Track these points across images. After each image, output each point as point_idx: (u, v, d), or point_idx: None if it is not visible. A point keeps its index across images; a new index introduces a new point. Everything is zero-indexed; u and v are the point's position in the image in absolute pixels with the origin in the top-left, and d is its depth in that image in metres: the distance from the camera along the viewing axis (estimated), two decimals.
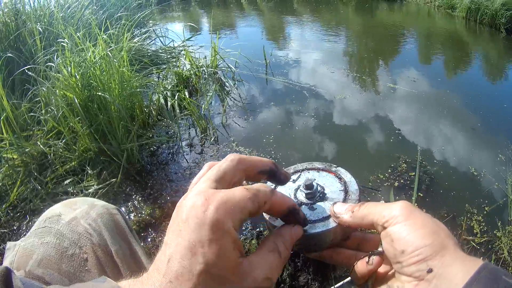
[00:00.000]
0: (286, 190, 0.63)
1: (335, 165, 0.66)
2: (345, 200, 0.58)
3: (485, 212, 2.32)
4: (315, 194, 0.59)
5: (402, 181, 2.57)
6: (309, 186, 0.59)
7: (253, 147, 2.98)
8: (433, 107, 3.71)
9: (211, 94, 3.88)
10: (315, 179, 0.61)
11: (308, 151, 3.01)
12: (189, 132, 3.28)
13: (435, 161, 2.82)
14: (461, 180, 2.65)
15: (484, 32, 6.74)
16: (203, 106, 3.62)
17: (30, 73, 2.92)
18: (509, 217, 2.28)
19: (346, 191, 0.60)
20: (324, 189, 0.61)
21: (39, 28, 3.65)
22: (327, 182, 0.63)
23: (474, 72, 4.99)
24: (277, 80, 4.42)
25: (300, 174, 0.66)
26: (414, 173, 2.62)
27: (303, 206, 0.59)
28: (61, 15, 4.21)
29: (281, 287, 1.72)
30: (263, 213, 0.55)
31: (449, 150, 2.98)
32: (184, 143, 3.09)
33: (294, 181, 0.64)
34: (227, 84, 4.21)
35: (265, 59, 4.93)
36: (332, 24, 7.75)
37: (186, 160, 2.89)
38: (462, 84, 4.48)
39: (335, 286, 1.70)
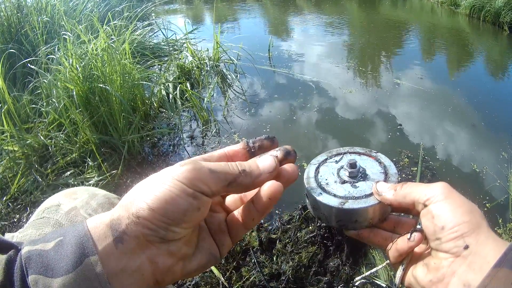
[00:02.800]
0: (329, 169, 0.67)
1: (375, 151, 0.71)
2: (385, 181, 0.62)
3: (486, 209, 2.32)
4: (357, 173, 0.64)
5: (404, 175, 2.56)
6: (353, 165, 0.64)
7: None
8: (436, 103, 3.70)
9: (212, 86, 3.88)
10: (356, 161, 0.65)
11: (310, 144, 3.01)
12: (191, 124, 3.27)
13: (437, 156, 2.81)
14: (462, 176, 2.65)
15: (487, 30, 6.71)
16: (205, 98, 3.61)
17: (32, 66, 2.91)
18: (510, 214, 2.27)
19: (386, 173, 0.64)
20: (365, 170, 0.65)
21: (41, 21, 3.64)
22: (368, 164, 0.67)
23: (478, 69, 4.97)
24: (280, 72, 4.42)
25: (342, 156, 0.70)
26: (416, 168, 2.62)
27: (346, 183, 0.63)
28: (63, 8, 4.19)
29: (310, 271, 1.72)
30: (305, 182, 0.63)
31: (451, 146, 2.97)
32: (185, 135, 3.08)
33: (337, 162, 0.69)
34: (229, 76, 4.20)
35: (269, 51, 4.93)
36: (335, 18, 7.71)
37: (187, 151, 2.88)
38: (466, 81, 4.46)
39: (363, 275, 1.72)
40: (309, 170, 0.67)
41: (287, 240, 1.88)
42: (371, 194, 0.59)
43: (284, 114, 3.47)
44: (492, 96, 3.99)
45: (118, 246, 0.43)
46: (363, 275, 1.72)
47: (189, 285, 1.72)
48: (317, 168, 0.67)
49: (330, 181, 0.64)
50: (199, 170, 0.46)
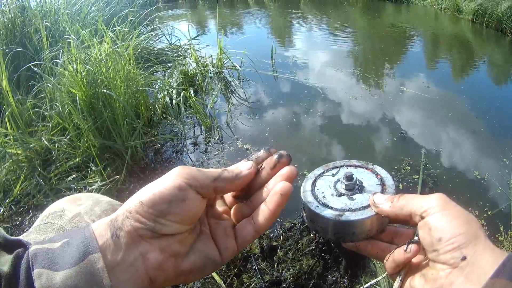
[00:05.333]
0: (326, 183, 0.67)
1: (372, 163, 0.70)
2: (382, 192, 0.62)
3: (486, 216, 2.31)
4: (354, 186, 0.63)
5: (405, 183, 2.56)
6: (349, 178, 0.63)
7: (258, 146, 2.98)
8: (438, 110, 3.70)
9: (216, 92, 3.89)
10: (353, 174, 0.65)
11: (313, 151, 3.01)
12: (194, 131, 3.28)
13: (439, 164, 2.81)
14: (464, 183, 2.65)
15: (490, 35, 6.71)
16: (208, 104, 3.62)
17: (35, 69, 2.93)
18: (511, 221, 2.26)
19: (383, 185, 0.64)
20: (362, 182, 0.65)
21: (46, 24, 3.66)
22: (365, 177, 0.67)
23: (481, 76, 4.97)
24: (283, 78, 4.43)
25: (339, 170, 0.70)
26: (417, 175, 2.62)
27: (343, 196, 0.63)
28: (67, 11, 4.21)
29: (310, 283, 1.73)
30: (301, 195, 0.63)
31: (453, 153, 2.97)
32: (188, 142, 3.09)
33: (333, 175, 0.68)
34: (232, 83, 4.21)
35: (272, 58, 4.94)
36: (338, 25, 7.74)
37: (190, 158, 2.89)
38: (468, 88, 4.46)
39: (364, 286, 1.72)
40: (306, 184, 0.67)
41: (288, 248, 1.88)
42: (368, 206, 0.59)
43: (288, 120, 3.48)
44: (496, 102, 3.99)
45: (114, 241, 0.46)
46: (365, 285, 1.73)
47: None
48: (314, 181, 0.68)
49: (327, 194, 0.64)
50: (188, 168, 0.51)
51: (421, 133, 3.27)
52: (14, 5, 4.00)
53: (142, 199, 0.47)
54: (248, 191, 0.60)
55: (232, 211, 0.60)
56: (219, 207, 0.60)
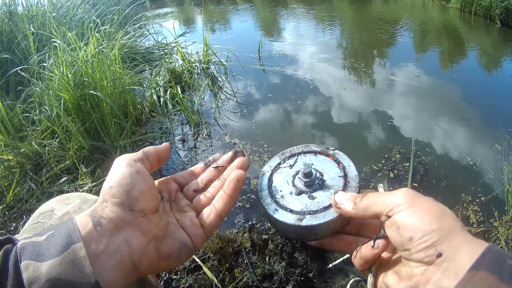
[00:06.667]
0: (284, 177, 0.62)
1: (332, 148, 0.65)
2: (345, 187, 0.58)
3: (479, 201, 2.31)
4: (314, 182, 0.59)
5: (396, 171, 2.56)
6: (307, 174, 0.59)
7: (246, 140, 2.98)
8: (428, 98, 3.71)
9: (203, 89, 3.88)
10: (312, 164, 0.61)
11: (302, 143, 2.98)
12: (182, 128, 3.28)
13: (429, 151, 2.81)
14: (456, 170, 2.64)
15: (479, 23, 6.73)
16: (195, 101, 3.61)
17: (23, 74, 2.92)
18: (506, 206, 2.27)
19: (345, 177, 0.59)
20: (322, 175, 0.60)
21: (32, 29, 3.64)
22: (325, 167, 0.61)
23: (470, 63, 4.97)
24: (271, 71, 4.42)
25: (296, 158, 0.65)
26: (408, 163, 2.62)
27: (302, 194, 0.58)
28: (53, 15, 4.19)
29: (280, 265, 1.73)
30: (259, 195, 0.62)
31: (444, 140, 2.97)
32: (177, 139, 3.08)
33: (291, 166, 0.64)
34: (219, 78, 4.20)
35: (259, 51, 4.94)
36: (326, 16, 7.71)
37: (179, 155, 2.88)
38: (458, 75, 4.44)
39: (334, 263, 1.74)
40: (262, 181, 0.63)
41: (279, 240, 1.88)
42: (330, 206, 0.55)
43: (276, 113, 3.48)
44: (486, 89, 4.00)
45: (97, 229, 0.50)
46: (342, 258, 1.76)
47: (183, 287, 1.73)
48: (270, 176, 0.63)
49: (285, 192, 0.60)
50: (123, 155, 0.60)
51: (411, 121, 3.27)
52: (1, 11, 3.98)
53: (110, 184, 0.54)
54: (206, 185, 0.65)
55: (193, 202, 0.64)
56: (182, 201, 0.64)
